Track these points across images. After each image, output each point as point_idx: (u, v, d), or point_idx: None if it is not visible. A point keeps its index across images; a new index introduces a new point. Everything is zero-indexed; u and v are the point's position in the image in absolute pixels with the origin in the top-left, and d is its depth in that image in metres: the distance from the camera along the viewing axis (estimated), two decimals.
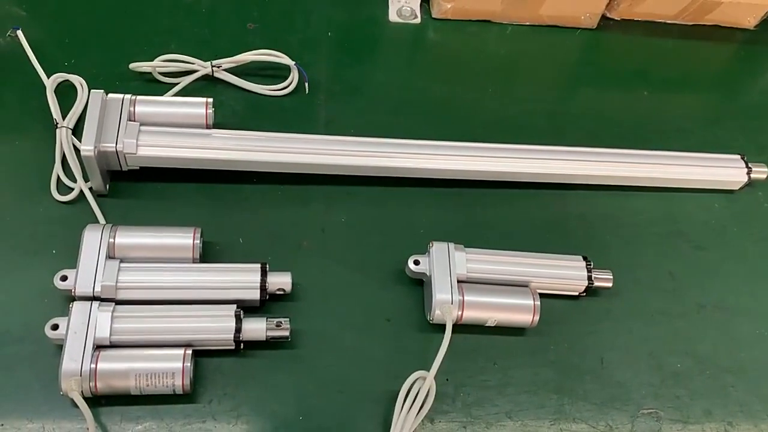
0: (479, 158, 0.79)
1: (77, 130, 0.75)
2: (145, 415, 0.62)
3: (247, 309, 0.65)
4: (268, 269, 0.67)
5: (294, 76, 0.84)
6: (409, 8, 0.98)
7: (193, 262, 0.67)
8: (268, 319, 0.64)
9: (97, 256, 0.64)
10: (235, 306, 0.64)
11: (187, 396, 0.62)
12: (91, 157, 0.68)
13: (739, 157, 0.87)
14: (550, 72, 0.97)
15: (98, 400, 0.61)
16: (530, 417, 0.67)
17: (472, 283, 0.69)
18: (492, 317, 0.68)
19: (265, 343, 0.65)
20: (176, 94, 0.80)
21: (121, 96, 0.72)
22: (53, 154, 0.74)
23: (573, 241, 0.78)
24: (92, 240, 0.65)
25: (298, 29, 0.93)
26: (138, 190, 0.74)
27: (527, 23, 1.00)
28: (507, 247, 0.73)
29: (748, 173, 0.86)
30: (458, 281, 0.68)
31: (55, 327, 0.61)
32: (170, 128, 0.73)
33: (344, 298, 0.71)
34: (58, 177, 0.73)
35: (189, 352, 0.61)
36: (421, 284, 0.72)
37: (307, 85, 0.85)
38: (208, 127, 0.75)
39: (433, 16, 0.98)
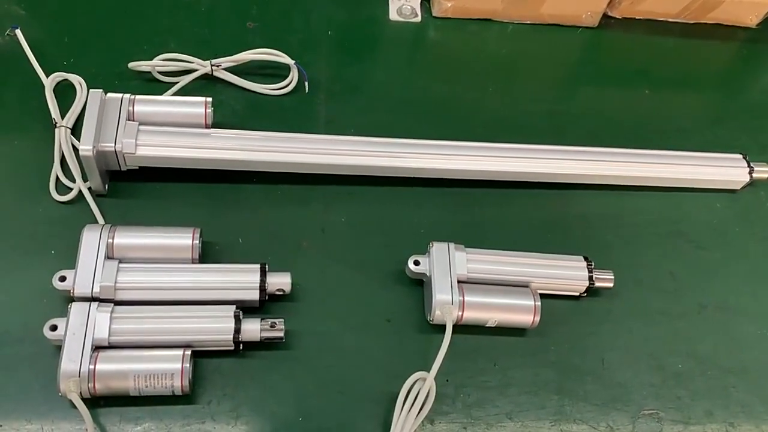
0: (480, 158, 0.78)
1: (76, 130, 0.75)
2: (144, 416, 0.61)
3: (246, 310, 0.65)
4: (267, 269, 0.67)
5: (294, 76, 0.84)
6: (409, 7, 0.97)
7: (193, 263, 0.67)
8: (263, 320, 0.64)
9: (96, 257, 0.64)
10: (234, 307, 0.64)
11: (186, 397, 0.62)
12: (89, 157, 0.68)
13: (741, 156, 0.86)
14: (551, 71, 0.97)
15: (97, 401, 0.61)
16: (531, 418, 0.66)
17: (473, 283, 0.69)
18: (492, 318, 0.68)
19: (265, 344, 0.64)
20: (175, 94, 0.80)
21: (120, 95, 0.72)
22: (52, 153, 0.73)
23: (574, 241, 0.78)
24: (91, 240, 0.65)
25: (297, 28, 0.92)
26: (137, 190, 0.74)
27: (528, 22, 0.99)
28: (507, 247, 0.73)
29: (750, 173, 0.85)
30: (458, 281, 0.68)
31: (54, 328, 0.61)
32: (169, 128, 0.73)
33: (344, 299, 0.71)
34: (57, 177, 0.73)
35: (188, 353, 0.61)
36: (421, 284, 0.72)
37: (306, 84, 0.85)
38: (207, 126, 0.74)
39: (434, 14, 0.98)
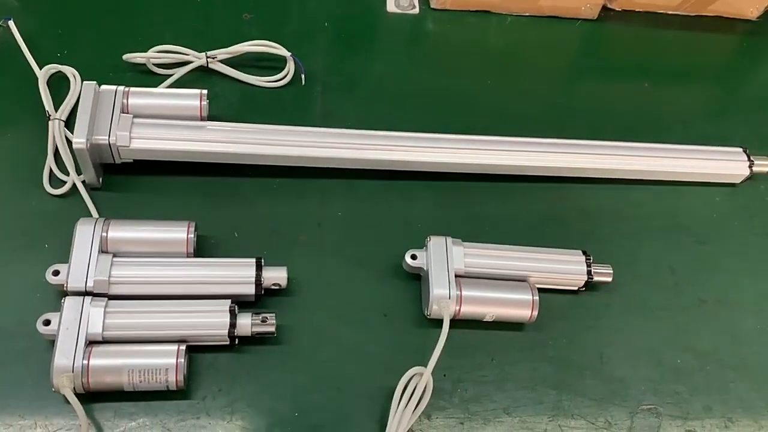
0: (478, 151, 0.78)
1: (70, 123, 0.74)
2: (138, 412, 0.61)
3: (242, 304, 0.64)
4: (263, 264, 0.66)
5: (290, 68, 0.83)
6: None
7: (188, 257, 0.66)
8: (254, 315, 0.63)
9: (90, 251, 0.63)
10: (229, 301, 0.63)
11: (181, 392, 0.61)
12: (83, 150, 0.67)
13: (741, 149, 0.86)
14: (549, 64, 0.96)
15: (91, 396, 0.60)
16: (528, 413, 0.66)
17: (470, 277, 0.69)
18: (490, 312, 0.68)
19: (260, 339, 0.64)
20: (170, 86, 0.79)
21: (114, 87, 0.71)
22: (45, 146, 0.73)
23: (572, 235, 0.77)
24: (85, 234, 0.64)
25: (294, 20, 0.92)
26: (132, 184, 0.73)
27: (527, 14, 0.99)
28: (505, 241, 0.72)
29: (750, 166, 0.85)
30: (456, 276, 0.68)
31: (47, 322, 0.60)
32: (164, 120, 0.72)
33: (341, 293, 0.70)
34: (51, 170, 0.72)
35: (183, 347, 0.60)
36: (418, 279, 0.71)
37: (303, 76, 0.84)
38: (202, 119, 0.74)
39: (432, 6, 0.97)
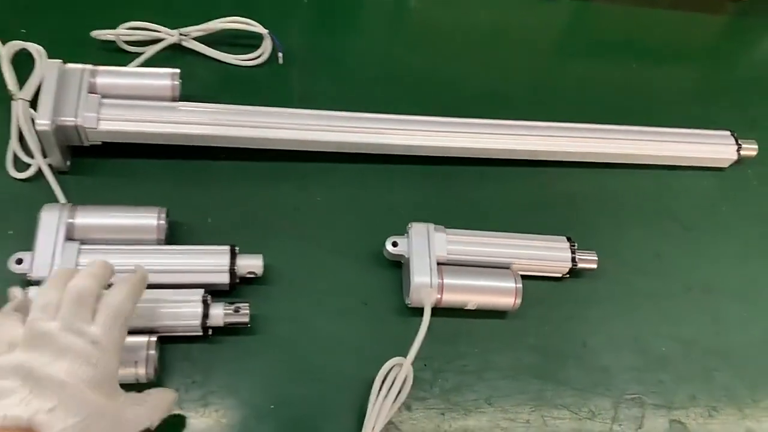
0: (461, 134, 0.76)
1: (36, 103, 0.71)
2: None
3: (216, 293, 0.62)
4: (237, 251, 0.64)
5: (267, 46, 0.80)
6: None
7: (158, 244, 0.64)
8: (227, 305, 0.61)
9: (55, 238, 0.61)
10: (202, 291, 0.61)
11: (151, 385, 0.59)
12: (47, 132, 0.64)
13: (728, 133, 0.84)
14: (535, 43, 0.94)
15: None
16: (510, 403, 0.65)
17: (453, 265, 0.67)
18: (472, 300, 0.66)
19: (235, 329, 0.62)
20: (141, 65, 0.76)
21: (80, 66, 0.68)
22: (9, 128, 0.69)
23: (556, 221, 0.76)
24: (50, 221, 0.61)
25: None
26: (100, 167, 0.70)
27: None
28: (489, 227, 0.70)
29: (738, 150, 0.83)
30: (438, 263, 0.66)
31: None
32: (134, 101, 0.69)
33: (319, 282, 0.68)
34: (15, 153, 0.69)
35: (153, 339, 0.58)
36: (399, 267, 0.69)
37: (280, 55, 0.81)
38: (174, 99, 0.71)
39: None
